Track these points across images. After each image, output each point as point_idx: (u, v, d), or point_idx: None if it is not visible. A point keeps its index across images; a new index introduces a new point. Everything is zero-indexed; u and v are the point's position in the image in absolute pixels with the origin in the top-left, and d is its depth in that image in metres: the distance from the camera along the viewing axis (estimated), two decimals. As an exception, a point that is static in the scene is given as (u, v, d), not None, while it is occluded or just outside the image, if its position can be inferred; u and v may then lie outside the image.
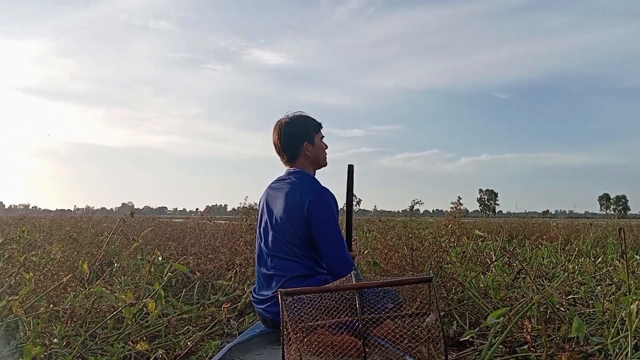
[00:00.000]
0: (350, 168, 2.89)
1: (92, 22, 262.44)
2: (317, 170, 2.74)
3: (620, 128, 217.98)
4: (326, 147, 2.74)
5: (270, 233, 2.57)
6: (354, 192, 2.93)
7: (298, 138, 2.65)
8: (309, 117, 2.73)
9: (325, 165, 2.75)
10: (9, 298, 2.54)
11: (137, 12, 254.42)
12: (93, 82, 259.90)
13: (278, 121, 2.69)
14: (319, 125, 2.73)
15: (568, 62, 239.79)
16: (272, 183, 2.72)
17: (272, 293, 2.48)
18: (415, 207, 4.04)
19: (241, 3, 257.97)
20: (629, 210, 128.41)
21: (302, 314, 1.98)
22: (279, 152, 2.70)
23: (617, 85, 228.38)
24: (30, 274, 3.00)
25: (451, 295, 3.25)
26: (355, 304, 1.97)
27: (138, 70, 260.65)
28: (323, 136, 2.74)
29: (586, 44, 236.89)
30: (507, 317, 2.31)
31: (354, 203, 2.98)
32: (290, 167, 2.68)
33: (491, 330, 2.28)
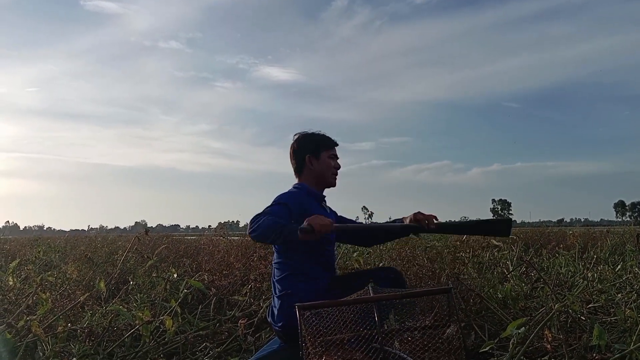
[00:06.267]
0: None
1: (103, 45, 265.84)
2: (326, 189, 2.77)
3: (633, 135, 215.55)
4: (336, 167, 2.75)
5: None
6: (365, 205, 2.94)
7: (303, 150, 2.72)
8: (322, 134, 2.78)
9: (332, 184, 2.76)
10: (27, 318, 2.55)
11: (147, 34, 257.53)
12: (104, 103, 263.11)
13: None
14: (331, 144, 2.76)
15: (578, 70, 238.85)
16: None
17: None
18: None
19: (248, 23, 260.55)
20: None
21: (321, 328, 1.96)
22: (291, 163, 2.79)
23: (628, 92, 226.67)
24: (47, 293, 3.02)
25: (469, 307, 3.21)
26: (375, 317, 1.96)
27: (148, 90, 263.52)
28: (334, 155, 2.75)
29: (595, 51, 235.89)
30: (527, 327, 2.28)
31: (366, 216, 2.98)
32: (297, 179, 2.75)
33: (511, 341, 2.24)
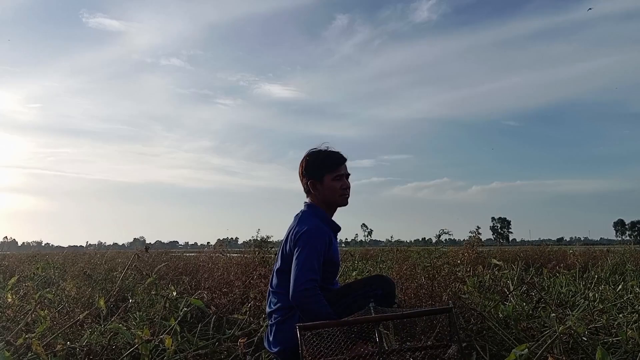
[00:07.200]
0: None
1: (106, 62, 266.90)
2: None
3: (632, 153, 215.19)
4: (343, 187, 2.67)
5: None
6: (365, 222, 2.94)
7: (307, 176, 2.68)
8: (326, 153, 2.71)
9: (341, 205, 2.71)
10: (26, 336, 2.53)
11: (149, 52, 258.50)
12: (106, 120, 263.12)
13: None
14: (334, 165, 2.67)
15: (577, 89, 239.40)
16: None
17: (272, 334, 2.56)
18: (443, 236, 4.05)
19: (249, 40, 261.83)
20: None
21: (322, 348, 1.95)
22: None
23: (627, 110, 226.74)
24: (46, 311, 3.01)
25: (470, 326, 3.19)
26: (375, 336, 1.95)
27: (150, 107, 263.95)
28: (340, 175, 2.67)
29: (594, 70, 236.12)
30: (530, 349, 2.26)
31: (366, 233, 2.99)
32: (306, 199, 2.74)
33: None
